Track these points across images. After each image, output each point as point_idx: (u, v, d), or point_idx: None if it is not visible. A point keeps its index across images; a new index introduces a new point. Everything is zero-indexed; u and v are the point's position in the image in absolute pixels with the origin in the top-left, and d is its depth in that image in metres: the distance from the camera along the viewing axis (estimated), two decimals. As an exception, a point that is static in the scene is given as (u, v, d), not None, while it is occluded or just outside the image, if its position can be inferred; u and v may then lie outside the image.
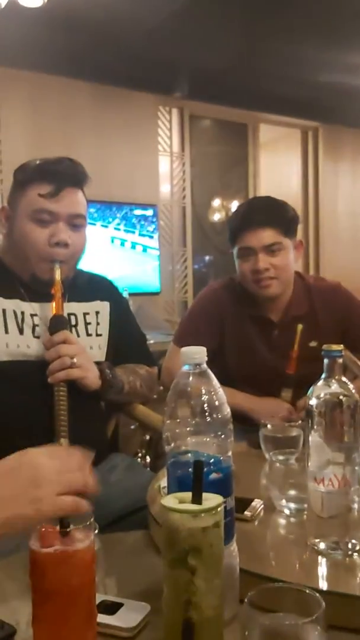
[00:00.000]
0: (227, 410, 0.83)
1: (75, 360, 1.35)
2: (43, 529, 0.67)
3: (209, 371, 0.83)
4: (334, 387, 0.89)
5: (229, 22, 3.42)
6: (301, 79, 4.29)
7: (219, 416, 0.81)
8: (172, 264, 4.75)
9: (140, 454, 2.39)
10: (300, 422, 1.35)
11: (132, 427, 2.39)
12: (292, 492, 1.05)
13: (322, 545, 0.91)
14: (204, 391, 0.82)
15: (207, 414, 0.81)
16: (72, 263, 1.47)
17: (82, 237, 1.47)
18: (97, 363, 1.44)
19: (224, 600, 0.72)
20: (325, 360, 0.90)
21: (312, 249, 5.44)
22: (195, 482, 0.71)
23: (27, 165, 1.45)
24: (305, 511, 0.98)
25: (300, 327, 1.76)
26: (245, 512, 1.04)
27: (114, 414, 1.66)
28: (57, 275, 1.42)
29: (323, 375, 0.91)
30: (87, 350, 1.44)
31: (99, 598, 0.82)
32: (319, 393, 0.89)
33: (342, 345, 0.90)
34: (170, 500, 0.72)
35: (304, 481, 0.97)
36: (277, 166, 5.48)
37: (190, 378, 0.82)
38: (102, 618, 0.78)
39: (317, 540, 0.92)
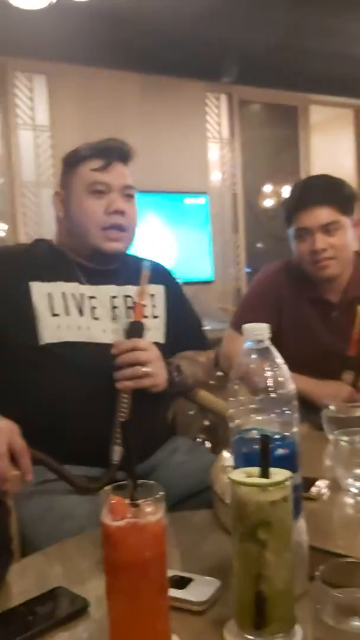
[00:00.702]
0: (292, 386, 0.82)
1: (146, 369, 1.36)
2: (114, 502, 0.69)
3: (272, 347, 0.83)
4: None
5: (274, 0, 3.36)
6: (352, 56, 4.17)
7: (284, 392, 0.81)
8: (225, 252, 4.73)
9: (199, 440, 2.40)
10: (363, 403, 1.32)
11: (191, 412, 2.41)
12: (358, 471, 1.03)
13: (391, 523, 0.90)
14: (267, 367, 0.82)
15: (271, 390, 0.80)
16: (130, 234, 1.50)
17: (134, 207, 1.52)
18: (167, 362, 1.44)
19: (293, 574, 0.72)
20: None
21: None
22: (263, 456, 0.71)
23: (76, 149, 1.52)
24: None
25: (359, 308, 1.72)
26: (311, 491, 1.03)
27: (175, 399, 1.67)
28: (145, 279, 1.47)
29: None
30: (145, 332, 1.45)
31: (169, 573, 0.84)
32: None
33: None
34: (238, 474, 0.72)
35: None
36: (330, 148, 5.36)
37: (253, 355, 0.82)
38: (173, 592, 0.79)
39: (386, 517, 0.91)
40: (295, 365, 1.67)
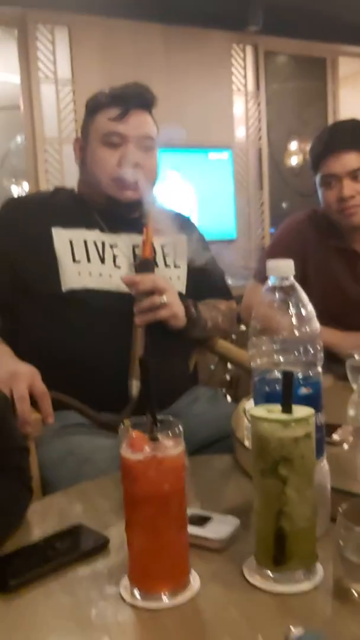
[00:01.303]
0: (316, 325, 0.80)
1: (165, 299, 1.35)
2: (134, 436, 0.68)
3: (297, 285, 0.80)
4: None
5: None
6: (384, 3, 4.00)
7: (308, 330, 0.78)
8: (249, 210, 4.65)
9: (224, 396, 2.40)
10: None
11: (212, 367, 2.40)
12: (383, 417, 1.01)
13: None
14: (291, 305, 0.79)
15: (295, 328, 0.78)
16: (147, 185, 1.46)
17: (153, 159, 1.47)
18: (182, 298, 1.43)
19: (315, 513, 0.71)
20: None
21: None
22: (285, 392, 0.70)
23: (97, 93, 1.49)
24: None
25: (387, 259, 1.67)
26: (334, 436, 1.02)
27: (195, 349, 1.65)
28: (150, 218, 1.45)
29: None
30: (171, 283, 1.43)
31: (188, 512, 0.83)
32: None
33: None
34: (260, 411, 0.71)
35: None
36: (359, 101, 5.19)
37: (278, 292, 0.80)
38: (192, 530, 0.78)
39: None
40: (320, 318, 1.66)
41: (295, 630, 0.57)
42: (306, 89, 4.92)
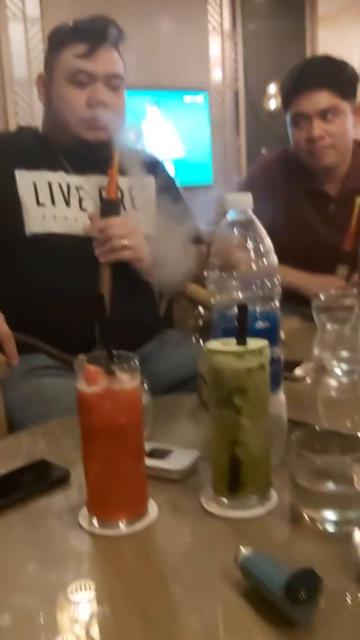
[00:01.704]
0: (274, 260, 0.80)
1: (126, 241, 1.33)
2: (90, 370, 0.68)
3: (255, 218, 0.80)
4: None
5: None
6: None
7: (265, 264, 0.78)
8: (226, 156, 4.57)
9: (194, 339, 2.41)
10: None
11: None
12: (344, 354, 1.03)
13: (373, 400, 0.90)
14: (250, 239, 0.79)
15: (253, 263, 0.78)
16: (116, 125, 1.42)
17: (121, 98, 1.43)
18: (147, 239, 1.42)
19: (269, 442, 0.72)
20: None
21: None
22: (240, 325, 0.70)
23: (60, 27, 1.41)
24: (357, 372, 0.97)
25: (359, 200, 1.66)
26: (295, 372, 1.03)
27: (165, 292, 1.65)
28: (116, 157, 1.40)
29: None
30: (136, 226, 1.42)
31: (150, 446, 0.85)
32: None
33: None
34: (216, 344, 0.71)
35: (357, 344, 0.94)
36: (338, 42, 5.04)
37: (236, 227, 0.79)
38: (152, 462, 0.80)
39: (368, 395, 0.91)
40: (289, 260, 1.67)
41: (244, 550, 0.59)
42: (284, 29, 4.78)
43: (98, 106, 1.37)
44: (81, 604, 0.59)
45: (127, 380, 0.69)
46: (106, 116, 1.38)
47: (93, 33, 1.37)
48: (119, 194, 1.44)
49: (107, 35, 1.38)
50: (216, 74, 4.44)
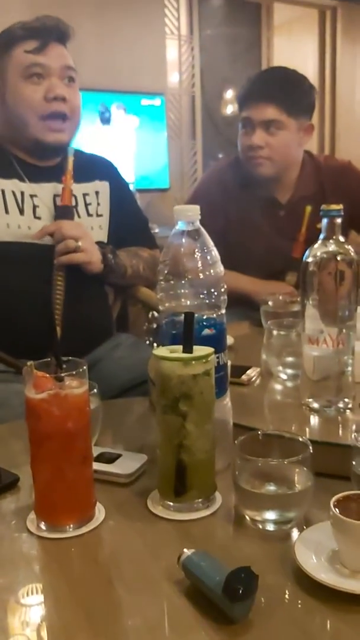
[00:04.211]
0: (220, 269, 0.82)
1: (79, 243, 1.35)
2: (38, 376, 0.69)
3: (203, 229, 0.82)
4: (332, 247, 0.88)
5: None
6: None
7: (212, 273, 0.81)
8: (182, 159, 4.61)
9: (147, 342, 2.43)
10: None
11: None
12: (289, 359, 1.06)
13: (315, 405, 0.94)
14: (197, 249, 0.81)
15: (200, 271, 0.80)
16: (74, 124, 1.43)
17: (77, 93, 1.43)
18: (100, 245, 1.43)
19: (214, 446, 0.75)
20: (324, 220, 0.89)
21: (328, 134, 5.21)
22: (186, 333, 0.72)
23: (9, 27, 1.40)
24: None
25: (309, 209, 1.71)
26: (242, 377, 1.06)
27: (118, 296, 1.67)
28: (70, 164, 1.41)
29: (321, 236, 0.89)
30: (88, 230, 1.43)
31: (99, 450, 0.86)
32: (315, 252, 0.88)
33: (341, 205, 0.88)
34: (163, 351, 0.73)
35: (302, 349, 0.98)
36: (293, 50, 5.16)
37: (184, 237, 0.81)
38: (101, 466, 0.82)
39: (310, 400, 0.94)
40: (240, 265, 1.71)
41: (186, 551, 0.61)
42: (240, 36, 4.85)
43: (55, 100, 1.36)
44: (30, 606, 0.61)
45: (75, 386, 0.70)
46: (65, 111, 1.38)
47: (42, 30, 1.37)
48: (73, 201, 1.44)
49: (56, 32, 1.39)
50: (173, 78, 4.47)
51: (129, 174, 3.84)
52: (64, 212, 1.39)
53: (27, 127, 1.39)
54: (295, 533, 0.69)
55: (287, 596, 0.60)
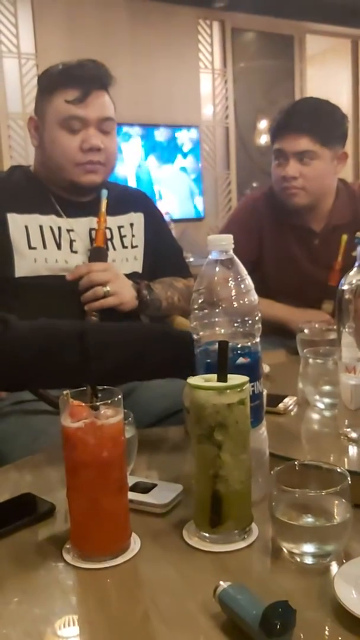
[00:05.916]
0: (254, 297, 0.83)
1: (108, 288, 1.36)
2: (74, 405, 0.70)
3: (236, 258, 0.82)
4: (368, 274, 0.87)
5: None
6: (350, -19, 4.00)
7: (246, 301, 0.81)
8: (216, 189, 4.66)
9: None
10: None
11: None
12: (326, 388, 1.05)
13: (353, 434, 0.92)
14: (231, 278, 0.81)
15: (233, 300, 0.81)
16: (109, 167, 1.46)
17: (113, 141, 1.46)
18: (134, 281, 1.44)
19: (250, 477, 0.74)
20: (359, 248, 0.88)
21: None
22: (220, 361, 0.72)
23: (50, 70, 1.44)
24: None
25: (345, 237, 1.71)
26: (279, 406, 1.05)
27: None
28: (103, 206, 1.44)
29: (356, 263, 0.89)
30: (123, 263, 1.45)
31: (135, 480, 0.86)
32: (351, 280, 0.87)
33: (376, 233, 0.87)
34: (197, 380, 0.73)
35: (339, 378, 0.96)
36: (326, 80, 5.21)
37: (218, 266, 0.82)
38: (137, 496, 0.81)
39: (348, 429, 0.93)
40: (276, 294, 1.71)
41: (223, 584, 0.60)
42: (273, 68, 4.92)
43: (91, 151, 1.40)
44: (66, 639, 0.60)
45: (110, 415, 0.71)
46: (98, 159, 1.41)
47: (84, 78, 1.39)
48: (109, 234, 1.47)
49: (98, 80, 1.42)
50: (207, 110, 4.55)
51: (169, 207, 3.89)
52: (97, 253, 1.42)
53: (62, 170, 1.43)
54: (334, 567, 0.67)
55: (327, 632, 0.58)
